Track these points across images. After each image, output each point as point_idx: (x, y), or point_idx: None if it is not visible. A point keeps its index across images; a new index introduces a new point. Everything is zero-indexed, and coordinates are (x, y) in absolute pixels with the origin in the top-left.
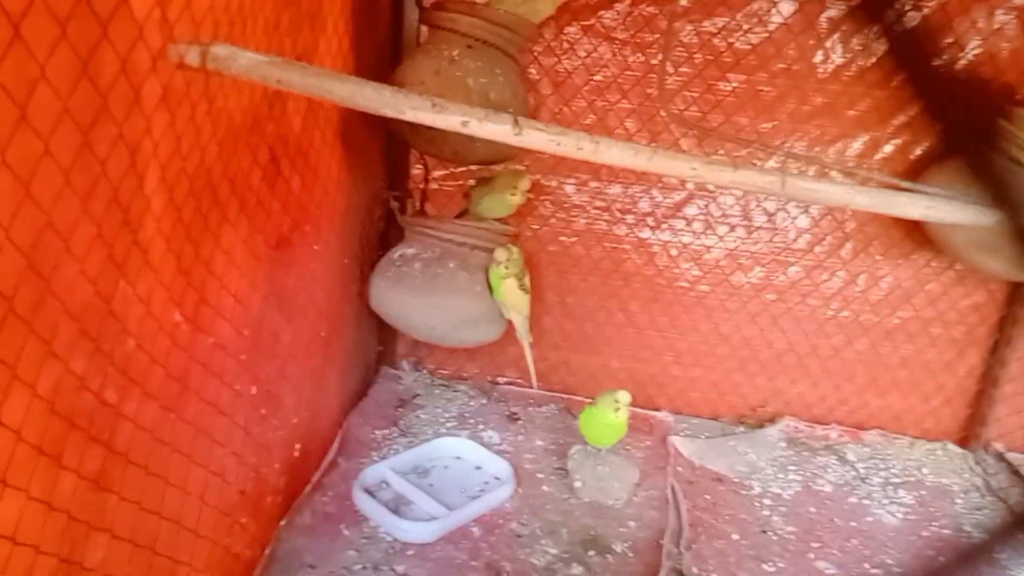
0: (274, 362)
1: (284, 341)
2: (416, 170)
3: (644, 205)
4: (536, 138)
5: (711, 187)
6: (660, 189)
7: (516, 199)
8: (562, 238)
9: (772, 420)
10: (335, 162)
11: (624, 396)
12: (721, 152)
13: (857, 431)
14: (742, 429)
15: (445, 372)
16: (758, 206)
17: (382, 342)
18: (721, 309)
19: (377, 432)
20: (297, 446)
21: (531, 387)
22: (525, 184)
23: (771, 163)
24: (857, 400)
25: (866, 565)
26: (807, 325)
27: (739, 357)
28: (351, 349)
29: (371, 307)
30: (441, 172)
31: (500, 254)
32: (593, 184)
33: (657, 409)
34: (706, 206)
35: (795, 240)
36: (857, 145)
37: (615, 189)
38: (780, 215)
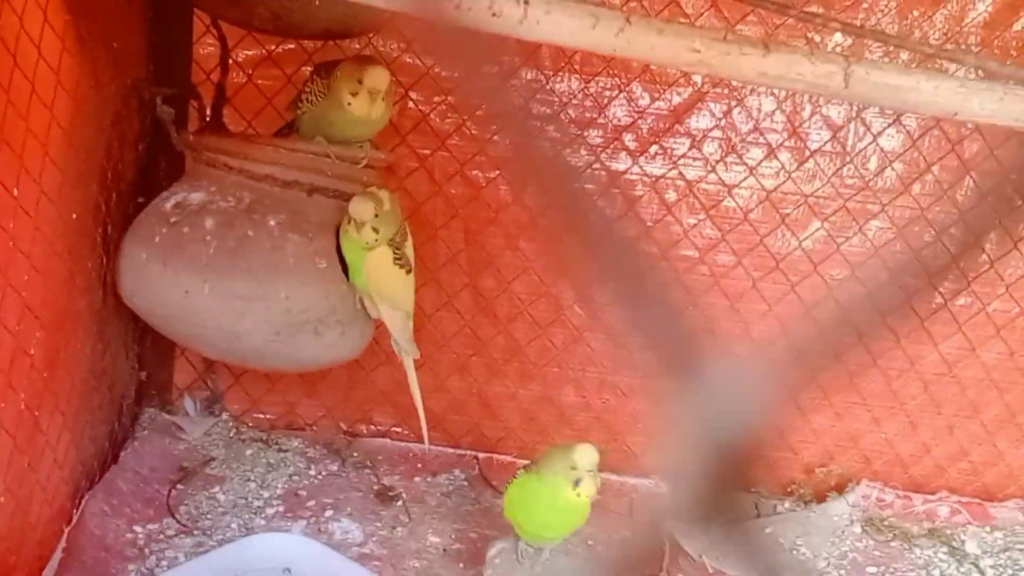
0: None
1: None
2: (206, 49)
3: (619, 112)
4: None
5: (733, 82)
6: (647, 83)
7: (359, 103)
8: (474, 172)
9: (840, 488)
10: (52, 33)
11: (587, 455)
12: (747, 24)
13: (983, 504)
14: (788, 505)
15: (263, 417)
16: (815, 113)
17: (147, 364)
18: (753, 295)
19: (138, 528)
20: None
21: (420, 441)
22: (376, 77)
23: (833, 43)
24: (985, 451)
25: None
26: (899, 322)
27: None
28: (87, 378)
29: (124, 300)
30: (251, 52)
31: (359, 205)
32: (526, 74)
33: (644, 475)
34: (726, 113)
35: (879, 173)
36: (977, 14)
37: (567, 83)
38: (853, 129)
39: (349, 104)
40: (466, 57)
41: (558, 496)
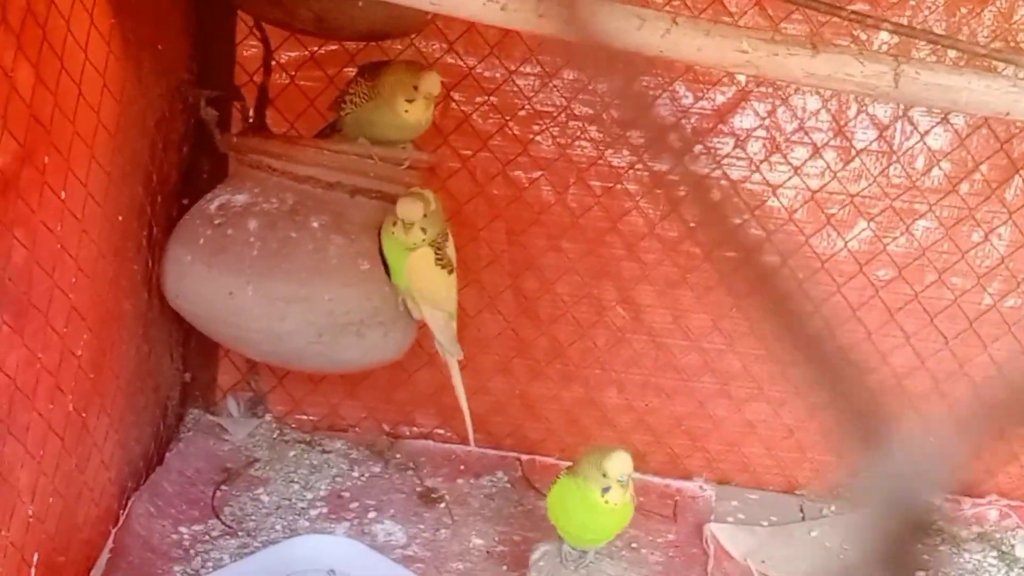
0: None
1: (7, 366)
2: (249, 51)
3: (663, 111)
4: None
5: (780, 80)
6: (690, 83)
7: (416, 109)
8: (516, 173)
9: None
10: (98, 36)
11: (618, 464)
12: (792, 22)
13: None
14: (835, 508)
15: (306, 419)
16: (861, 112)
17: (191, 366)
18: (798, 296)
19: (183, 529)
20: (35, 557)
21: (463, 442)
22: (432, 83)
23: (879, 41)
24: None
25: None
26: (948, 323)
27: None
28: (133, 379)
29: (169, 302)
30: (294, 54)
31: (406, 206)
32: (568, 74)
33: (687, 477)
34: (771, 113)
35: (926, 173)
36: None
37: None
38: (899, 128)
39: (407, 112)
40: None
41: (598, 499)
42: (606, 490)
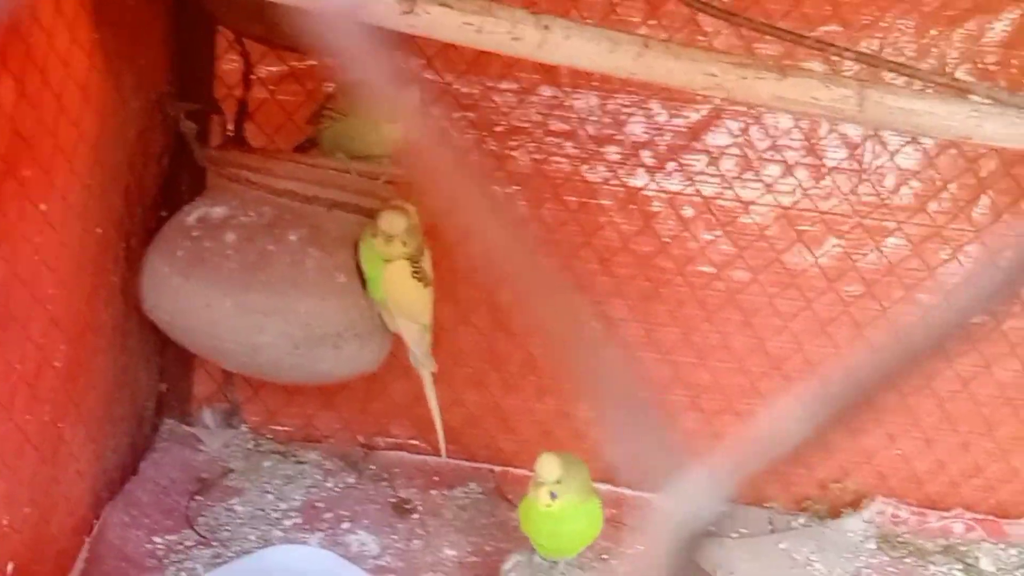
0: None
1: None
2: (229, 64)
3: (637, 129)
4: (440, 20)
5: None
6: (665, 101)
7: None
8: (492, 187)
9: (855, 504)
10: (80, 50)
11: (548, 464)
12: (766, 42)
13: (998, 521)
14: (803, 521)
15: (281, 429)
16: (832, 131)
17: (167, 376)
18: (769, 311)
19: (157, 539)
20: (9, 566)
21: (436, 454)
22: (411, 98)
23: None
24: (999, 469)
25: None
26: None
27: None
28: (109, 390)
29: (145, 313)
30: (274, 69)
31: (392, 219)
32: (546, 91)
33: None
34: (744, 130)
35: (895, 191)
36: (995, 33)
37: (586, 100)
38: (870, 148)
39: (389, 127)
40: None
41: (536, 508)
42: (553, 496)
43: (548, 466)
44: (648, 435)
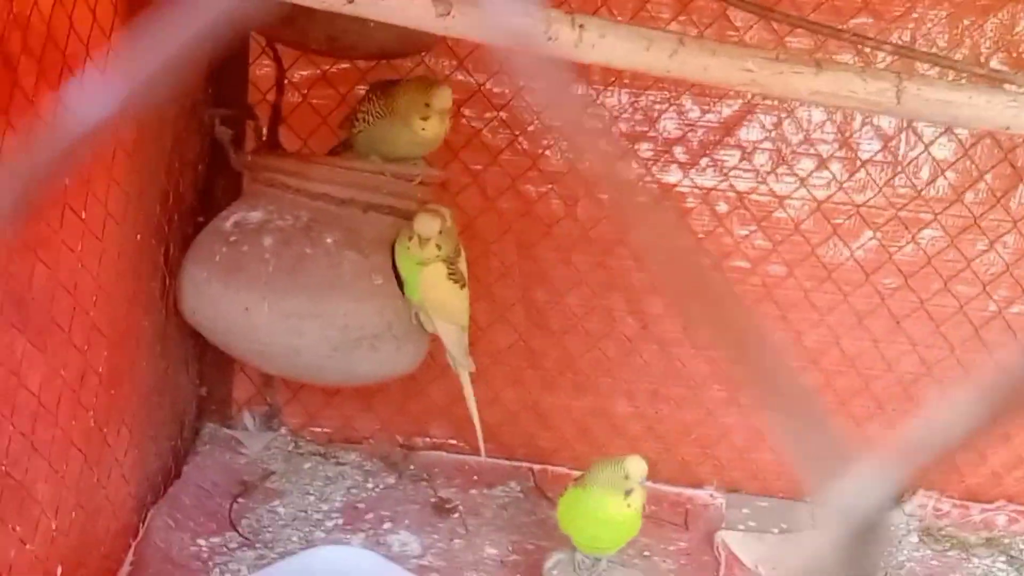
0: (12, 422)
1: (31, 383)
2: (262, 70)
3: (669, 125)
4: (475, 23)
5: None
6: (697, 97)
7: (432, 125)
8: (526, 187)
9: (897, 498)
10: (115, 56)
11: (637, 466)
12: (796, 36)
13: None
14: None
15: (321, 431)
16: (866, 124)
17: (207, 380)
18: (805, 305)
19: (201, 541)
20: (58, 570)
21: (476, 453)
22: (444, 98)
23: (883, 54)
24: None
25: None
26: (954, 329)
27: (838, 389)
28: (151, 395)
29: (185, 318)
30: (306, 73)
31: (423, 222)
32: (576, 88)
33: (699, 486)
34: (777, 125)
35: (930, 183)
36: None
37: (618, 97)
38: (904, 139)
39: (424, 129)
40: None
41: (608, 508)
42: (629, 492)
43: (641, 467)
44: (816, 430)
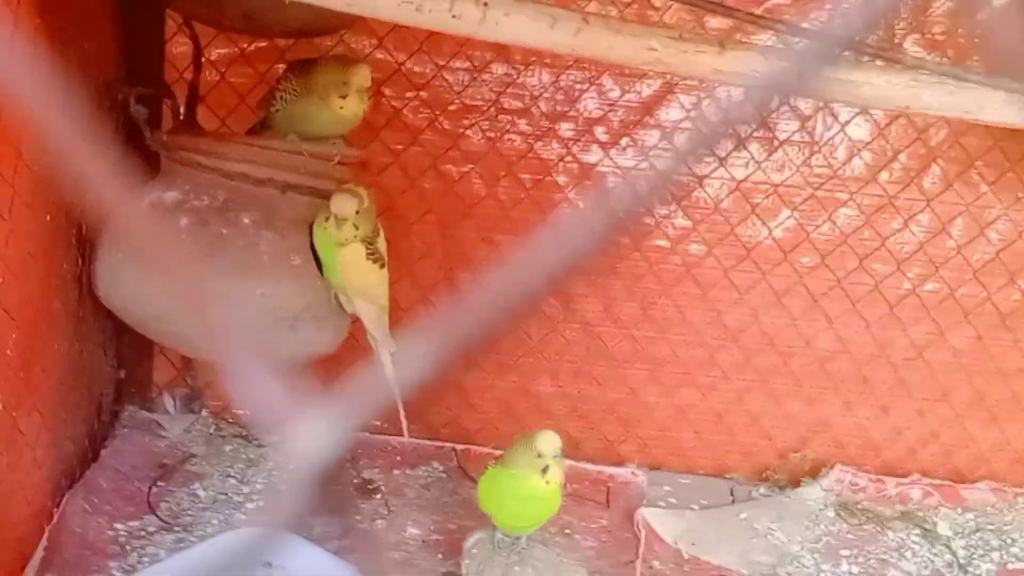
0: None
1: None
2: (178, 48)
3: (590, 104)
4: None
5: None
6: (617, 77)
7: (350, 104)
8: (447, 167)
9: (814, 473)
10: (23, 35)
11: (549, 441)
12: (716, 16)
13: (955, 486)
14: (763, 491)
15: (242, 413)
16: (783, 104)
17: (126, 363)
18: (724, 285)
19: (119, 525)
20: None
21: (399, 434)
22: (363, 76)
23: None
24: (955, 434)
25: None
26: (870, 308)
27: (757, 368)
28: (65, 377)
29: (100, 299)
30: (224, 51)
31: (342, 202)
32: (498, 68)
33: (620, 464)
34: (697, 105)
35: (847, 163)
36: (941, 2)
37: (539, 76)
38: (821, 119)
39: (342, 108)
40: None
41: (526, 486)
42: (545, 470)
43: (552, 441)
44: (270, 381)
